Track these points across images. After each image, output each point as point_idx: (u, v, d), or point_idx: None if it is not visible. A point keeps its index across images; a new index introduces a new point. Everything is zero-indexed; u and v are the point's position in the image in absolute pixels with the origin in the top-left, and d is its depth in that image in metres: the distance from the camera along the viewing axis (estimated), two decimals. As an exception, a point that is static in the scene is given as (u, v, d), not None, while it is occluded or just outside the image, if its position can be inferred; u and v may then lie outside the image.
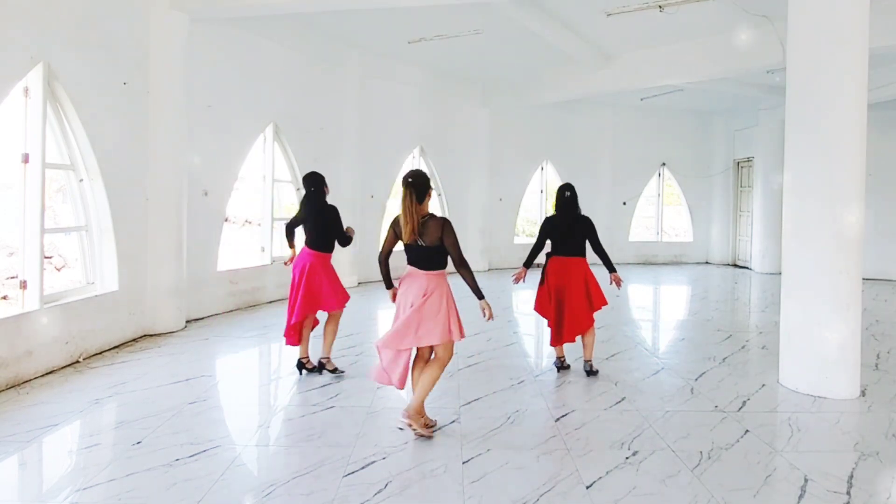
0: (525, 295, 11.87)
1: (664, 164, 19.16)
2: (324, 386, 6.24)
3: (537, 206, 18.30)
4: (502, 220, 17.12)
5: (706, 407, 5.76)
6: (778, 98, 14.00)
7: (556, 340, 6.70)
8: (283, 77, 11.09)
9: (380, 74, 13.41)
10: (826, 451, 4.82)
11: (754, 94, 14.90)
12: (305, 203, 6.53)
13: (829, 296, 6.02)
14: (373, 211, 13.59)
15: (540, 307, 6.76)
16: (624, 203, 18.69)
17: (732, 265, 18.80)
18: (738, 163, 18.64)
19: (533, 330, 9.68)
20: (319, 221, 6.46)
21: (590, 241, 6.68)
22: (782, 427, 5.27)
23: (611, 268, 6.72)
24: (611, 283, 6.73)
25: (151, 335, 8.22)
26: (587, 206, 17.87)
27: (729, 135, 18.81)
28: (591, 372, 6.69)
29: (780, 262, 6.62)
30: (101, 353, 7.33)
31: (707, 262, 19.37)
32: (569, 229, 6.60)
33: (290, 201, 12.19)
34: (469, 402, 5.80)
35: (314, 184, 6.48)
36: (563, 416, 5.49)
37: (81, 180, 7.35)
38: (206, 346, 7.89)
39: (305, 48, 11.50)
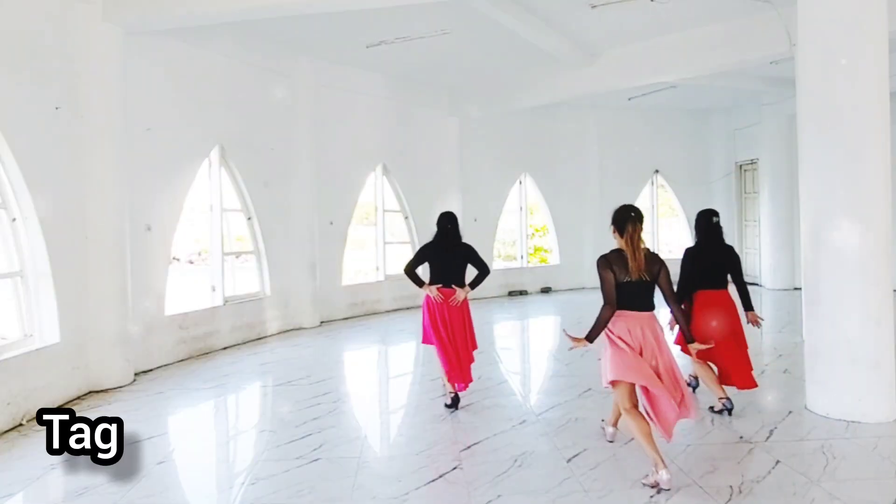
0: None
1: (657, 170, 19.48)
2: (304, 437, 6.36)
3: (517, 225, 18.43)
4: (478, 243, 16.78)
5: (730, 438, 6.02)
6: (783, 91, 14.24)
7: (738, 381, 6.64)
8: (227, 93, 11.18)
9: (335, 84, 13.48)
10: (866, 478, 5.08)
11: (756, 88, 15.15)
12: (441, 240, 7.42)
13: (858, 310, 6.19)
14: (333, 239, 13.58)
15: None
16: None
17: (740, 282, 19.02)
18: (741, 166, 18.84)
19: (519, 368, 9.92)
20: (460, 257, 7.45)
21: (732, 273, 6.81)
22: (816, 455, 5.51)
23: (749, 305, 6.82)
24: (747, 322, 6.82)
25: (98, 391, 8.22)
26: (576, 220, 18.28)
27: (729, 135, 18.97)
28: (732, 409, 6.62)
29: (794, 277, 6.87)
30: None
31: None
32: (719, 259, 6.78)
33: (241, 233, 12.23)
34: (469, 447, 5.99)
35: (451, 221, 7.46)
36: (574, 455, 5.67)
37: (14, 220, 7.43)
38: (162, 400, 7.97)
39: (251, 58, 11.61)
